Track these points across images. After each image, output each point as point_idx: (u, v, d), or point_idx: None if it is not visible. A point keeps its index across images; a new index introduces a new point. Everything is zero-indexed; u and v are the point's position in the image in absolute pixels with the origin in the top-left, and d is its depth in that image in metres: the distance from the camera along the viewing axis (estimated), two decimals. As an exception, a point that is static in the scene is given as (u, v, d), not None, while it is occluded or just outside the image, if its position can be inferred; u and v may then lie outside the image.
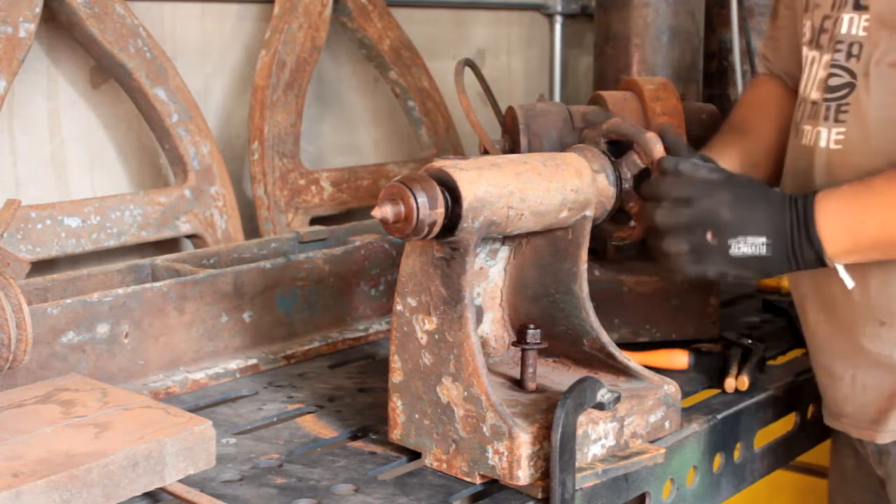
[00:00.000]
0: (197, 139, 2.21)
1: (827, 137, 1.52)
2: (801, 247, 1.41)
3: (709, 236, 1.41)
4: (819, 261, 1.41)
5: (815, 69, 1.57)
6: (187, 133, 2.20)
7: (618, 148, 1.55)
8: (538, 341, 1.43)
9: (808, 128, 1.57)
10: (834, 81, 1.53)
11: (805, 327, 1.65)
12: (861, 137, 1.49)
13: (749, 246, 1.41)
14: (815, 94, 1.56)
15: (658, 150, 1.50)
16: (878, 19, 1.48)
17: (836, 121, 1.51)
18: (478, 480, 1.34)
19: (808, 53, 1.61)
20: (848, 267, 1.47)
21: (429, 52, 2.75)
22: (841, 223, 1.39)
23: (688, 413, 1.57)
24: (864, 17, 1.49)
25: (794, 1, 1.72)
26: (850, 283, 1.48)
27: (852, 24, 1.51)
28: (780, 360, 1.87)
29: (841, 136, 1.51)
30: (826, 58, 1.55)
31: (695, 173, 1.44)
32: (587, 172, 1.44)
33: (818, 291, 1.58)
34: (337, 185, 2.49)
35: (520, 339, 1.44)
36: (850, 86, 1.51)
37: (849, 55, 1.51)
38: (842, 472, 1.76)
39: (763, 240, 1.41)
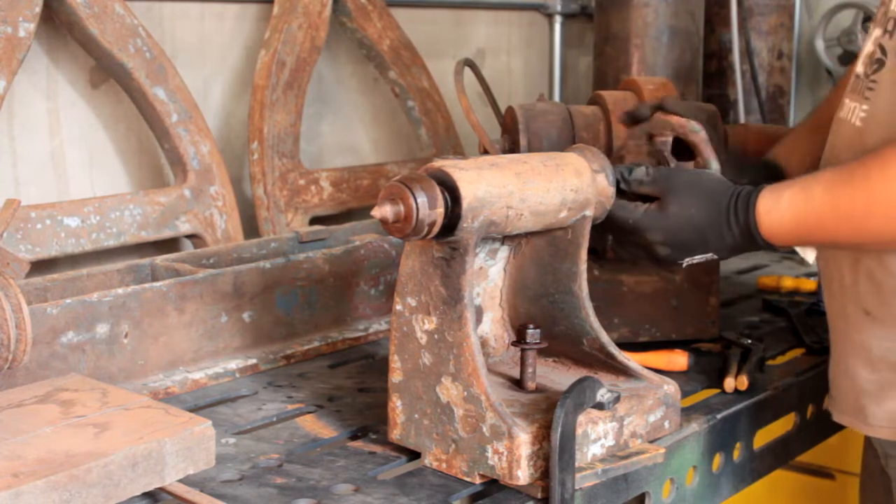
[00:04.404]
0: (196, 139, 2.21)
1: (856, 113, 1.47)
2: (748, 247, 1.48)
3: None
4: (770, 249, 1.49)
5: (867, 42, 1.51)
6: (187, 133, 2.20)
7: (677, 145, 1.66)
8: (538, 341, 1.43)
9: (847, 101, 1.51)
10: (873, 57, 1.47)
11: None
12: (879, 118, 1.43)
13: (699, 258, 1.52)
14: (860, 68, 1.50)
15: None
16: None
17: (864, 97, 1.46)
18: (477, 480, 1.34)
19: (870, 26, 1.54)
20: (842, 255, 1.47)
21: (429, 52, 2.75)
22: (782, 227, 1.44)
23: (687, 413, 1.57)
24: None
25: None
26: (809, 258, 1.50)
27: None
28: (780, 360, 1.86)
29: (864, 115, 1.45)
30: (876, 32, 1.48)
31: (626, 216, 1.52)
32: (587, 172, 1.44)
33: (823, 271, 1.57)
34: (336, 184, 2.49)
35: (519, 338, 1.44)
36: (881, 63, 1.44)
37: (885, 31, 1.45)
38: (869, 472, 1.74)
39: (710, 255, 1.51)
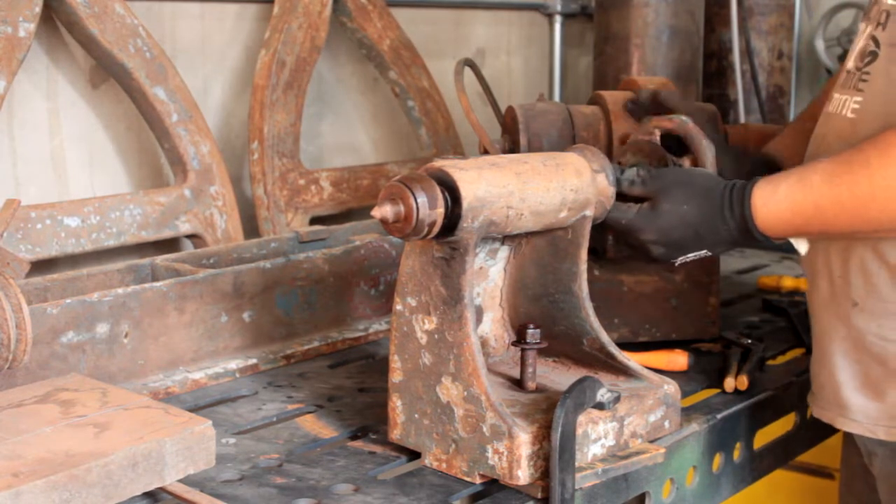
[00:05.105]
0: (196, 139, 2.21)
1: (848, 106, 1.48)
2: (744, 241, 1.49)
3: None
4: (768, 244, 1.49)
5: (858, 40, 1.52)
6: (187, 133, 2.20)
7: (674, 141, 1.65)
8: (538, 341, 1.43)
9: (836, 95, 1.52)
10: (865, 51, 1.48)
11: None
12: (872, 109, 1.44)
13: (693, 255, 1.53)
14: (850, 64, 1.52)
15: (710, 162, 1.61)
16: None
17: (856, 89, 1.47)
18: (477, 480, 1.34)
19: (860, 25, 1.56)
20: (833, 248, 1.48)
21: (429, 52, 2.75)
22: (779, 218, 1.44)
23: (687, 413, 1.57)
24: None
25: None
26: (802, 249, 1.51)
27: None
28: (780, 359, 1.87)
29: (857, 106, 1.46)
30: (869, 28, 1.50)
31: (620, 217, 1.52)
32: (587, 172, 1.44)
33: (810, 265, 1.57)
34: (337, 184, 2.49)
35: (520, 338, 1.44)
36: (874, 55, 1.45)
37: (877, 24, 1.46)
38: (850, 469, 1.74)
39: (704, 252, 1.52)
